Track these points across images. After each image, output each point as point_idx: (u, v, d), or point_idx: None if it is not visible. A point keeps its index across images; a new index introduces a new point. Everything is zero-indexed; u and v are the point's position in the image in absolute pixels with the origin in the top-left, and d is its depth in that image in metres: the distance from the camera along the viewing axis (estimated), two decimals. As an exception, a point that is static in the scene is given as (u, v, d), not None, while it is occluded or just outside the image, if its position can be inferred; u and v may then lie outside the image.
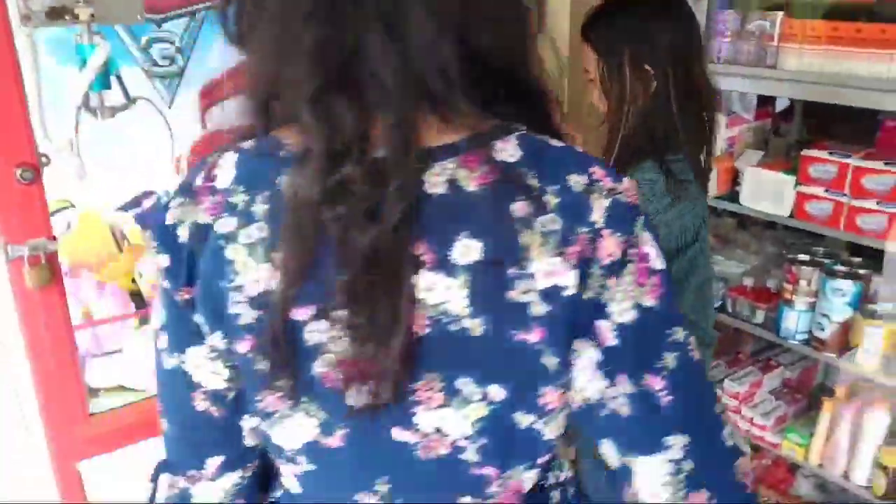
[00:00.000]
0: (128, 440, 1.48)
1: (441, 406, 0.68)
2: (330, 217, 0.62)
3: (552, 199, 0.64)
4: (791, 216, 1.90)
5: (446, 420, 0.68)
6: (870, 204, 1.76)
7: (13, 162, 1.28)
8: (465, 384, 0.66)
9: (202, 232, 0.69)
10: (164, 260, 0.70)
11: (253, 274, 0.66)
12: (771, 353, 2.23)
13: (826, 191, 1.83)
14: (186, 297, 0.71)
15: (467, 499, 0.74)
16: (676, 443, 0.67)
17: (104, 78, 1.43)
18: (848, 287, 1.84)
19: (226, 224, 0.68)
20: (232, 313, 0.68)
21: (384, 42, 0.62)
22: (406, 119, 0.63)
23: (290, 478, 0.76)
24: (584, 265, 0.64)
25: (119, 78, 1.49)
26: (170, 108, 2.04)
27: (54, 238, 1.36)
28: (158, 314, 0.73)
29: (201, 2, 2.05)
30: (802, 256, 1.94)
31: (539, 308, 0.64)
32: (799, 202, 1.88)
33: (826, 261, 1.92)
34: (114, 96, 1.48)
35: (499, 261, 0.64)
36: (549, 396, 0.68)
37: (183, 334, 0.72)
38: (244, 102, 0.71)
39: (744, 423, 2.06)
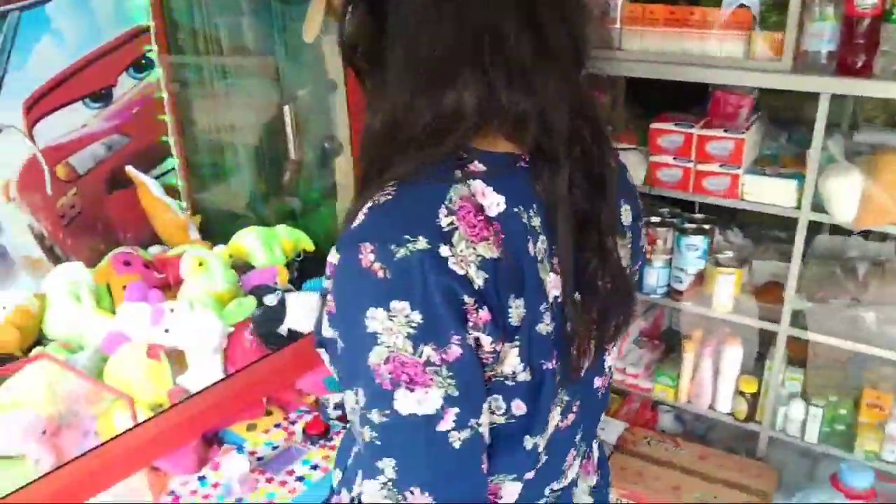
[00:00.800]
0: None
1: (613, 346, 0.85)
2: (578, 205, 0.72)
3: None
4: (644, 183, 2.09)
5: (611, 356, 0.87)
6: (713, 167, 1.98)
7: None
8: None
9: (495, 267, 0.65)
10: (486, 314, 0.64)
11: (548, 286, 0.70)
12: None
13: (674, 158, 2.03)
14: (500, 347, 0.67)
15: (602, 417, 0.94)
16: None
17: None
18: (699, 242, 2.08)
19: (532, 247, 0.69)
20: (544, 333, 0.70)
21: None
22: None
23: (515, 487, 0.78)
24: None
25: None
26: (-11, 127, 1.77)
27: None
28: (436, 391, 0.65)
29: (14, 2, 1.78)
30: (655, 218, 2.15)
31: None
32: (651, 170, 2.07)
33: (676, 220, 2.15)
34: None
35: (638, 217, 0.86)
36: None
37: (481, 395, 0.68)
38: (413, 129, 0.69)
39: (619, 374, 2.26)
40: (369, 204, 0.68)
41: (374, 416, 0.66)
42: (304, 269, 1.91)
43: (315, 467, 1.39)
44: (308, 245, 1.92)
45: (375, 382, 0.65)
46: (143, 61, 2.10)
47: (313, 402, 1.65)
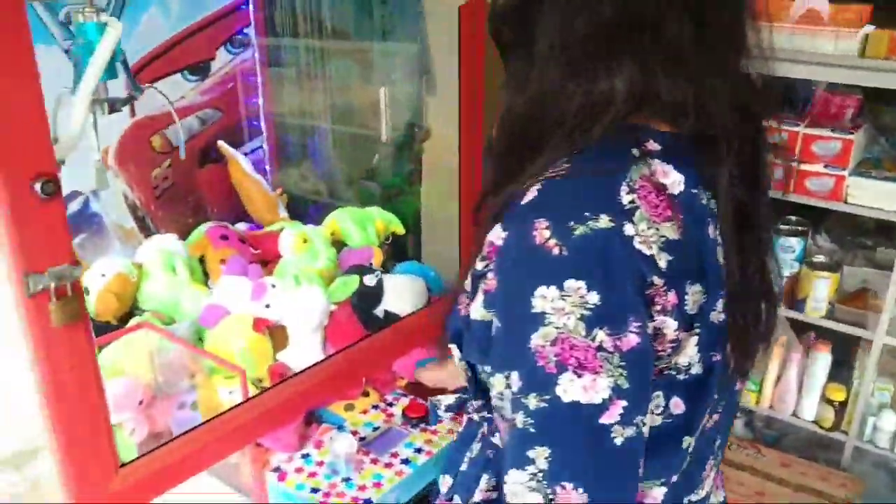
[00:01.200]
0: (163, 486, 1.28)
1: (757, 351, 0.80)
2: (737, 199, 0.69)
3: None
4: (739, 182, 2.04)
5: (751, 361, 0.80)
6: (817, 168, 1.93)
7: (30, 173, 0.99)
8: None
9: (677, 249, 0.63)
10: (673, 297, 0.62)
11: (723, 273, 0.68)
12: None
13: (775, 157, 1.98)
14: (681, 335, 0.64)
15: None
16: None
17: (111, 65, 1.20)
18: (795, 244, 2.03)
19: (712, 229, 0.67)
20: (716, 322, 0.67)
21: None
22: None
23: (659, 492, 0.75)
24: None
25: (125, 64, 1.24)
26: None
27: (78, 263, 1.11)
28: (605, 380, 0.60)
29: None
30: (747, 218, 2.10)
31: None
32: (748, 169, 2.02)
33: (769, 221, 2.10)
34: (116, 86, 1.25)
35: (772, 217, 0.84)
36: None
37: (649, 392, 0.65)
38: (594, 103, 0.65)
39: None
40: (542, 179, 0.65)
41: (531, 401, 0.62)
42: (390, 253, 1.90)
43: (419, 450, 1.37)
44: (399, 228, 1.90)
45: (537, 365, 0.61)
46: (240, 36, 2.09)
47: (406, 385, 1.64)
